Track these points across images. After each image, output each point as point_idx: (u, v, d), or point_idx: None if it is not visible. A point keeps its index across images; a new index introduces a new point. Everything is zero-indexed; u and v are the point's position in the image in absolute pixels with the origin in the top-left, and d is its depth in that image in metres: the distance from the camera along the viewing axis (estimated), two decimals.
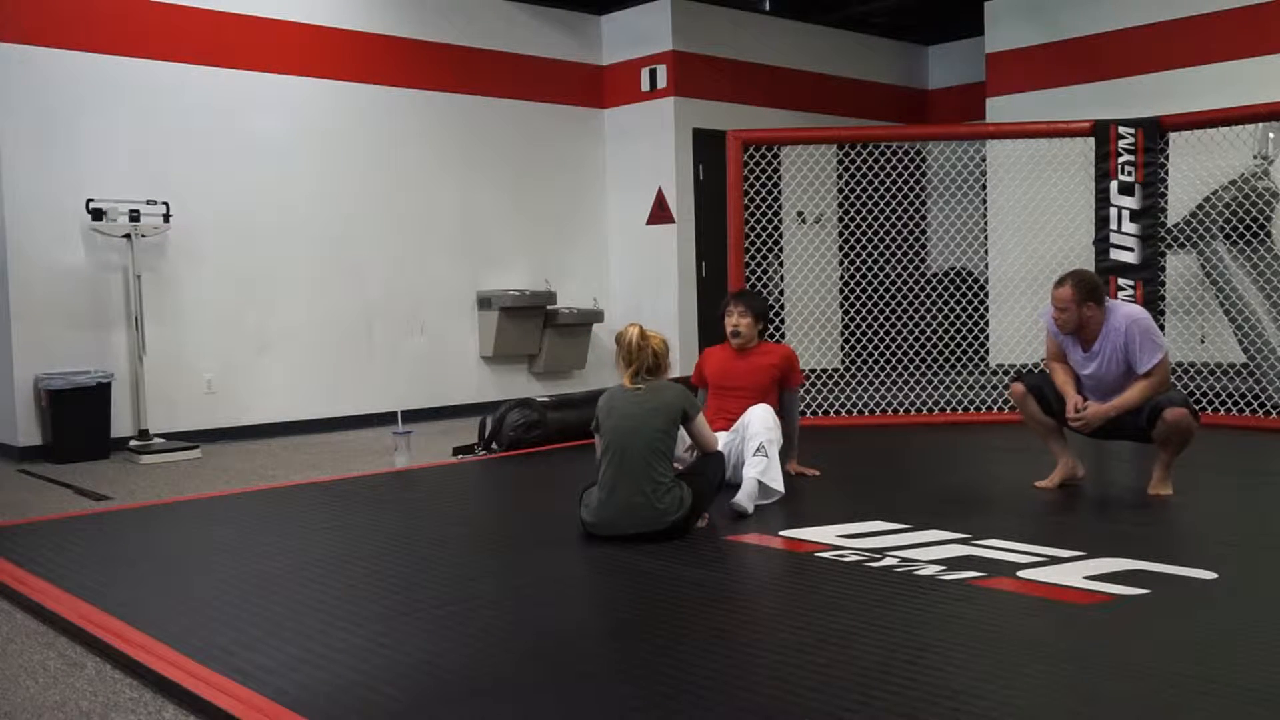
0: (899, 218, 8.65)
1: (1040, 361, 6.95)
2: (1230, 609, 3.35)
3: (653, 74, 10.09)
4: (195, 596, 3.81)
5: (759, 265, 8.43)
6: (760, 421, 5.04)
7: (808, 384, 8.19)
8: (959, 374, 8.23)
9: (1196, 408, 5.18)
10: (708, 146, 9.93)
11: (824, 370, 8.61)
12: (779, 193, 8.89)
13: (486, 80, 9.66)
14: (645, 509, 4.27)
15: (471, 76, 9.57)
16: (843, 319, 8.92)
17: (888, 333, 8.45)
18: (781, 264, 9.31)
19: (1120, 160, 7.44)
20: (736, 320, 5.45)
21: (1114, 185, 7.47)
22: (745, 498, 4.76)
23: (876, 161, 8.26)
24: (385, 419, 8.23)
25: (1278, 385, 7.26)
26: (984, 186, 9.71)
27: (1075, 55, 9.79)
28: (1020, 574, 3.72)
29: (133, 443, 7.46)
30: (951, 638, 3.12)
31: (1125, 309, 4.97)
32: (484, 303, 9.55)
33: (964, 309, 8.33)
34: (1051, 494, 5.10)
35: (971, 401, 7.84)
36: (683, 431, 4.55)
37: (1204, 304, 8.02)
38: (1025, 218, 8.45)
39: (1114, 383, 4.90)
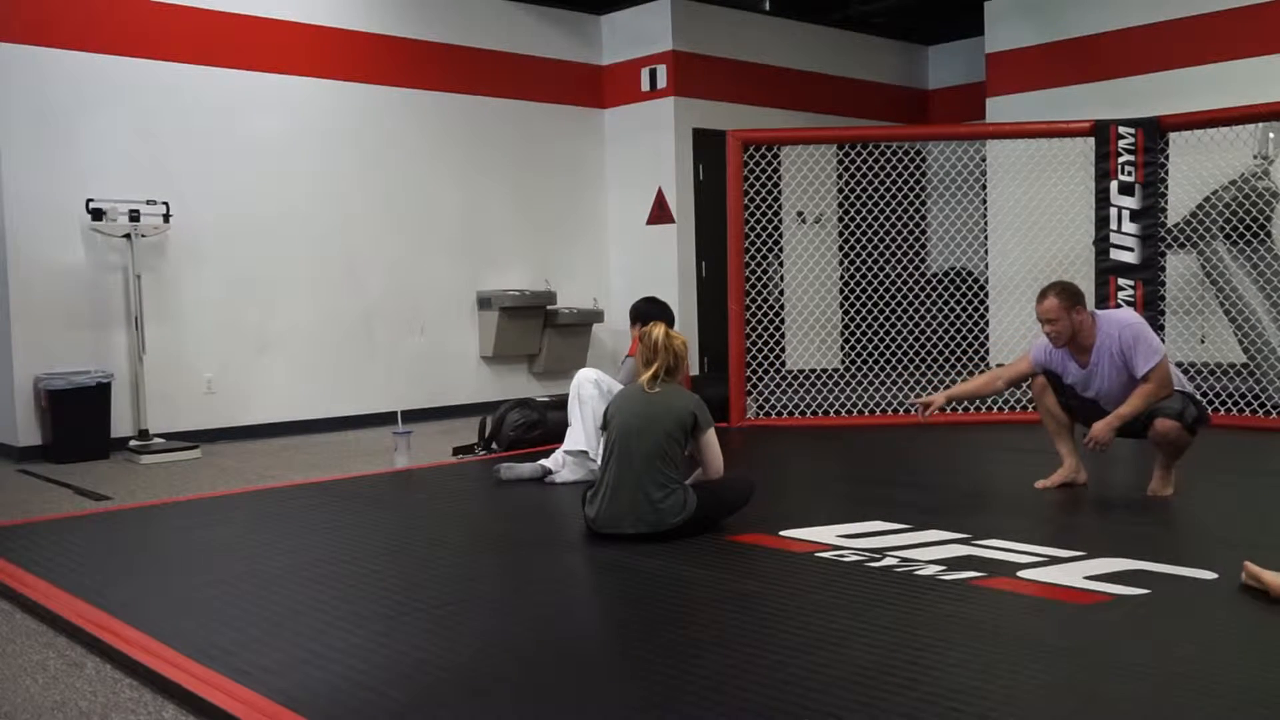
0: (899, 218, 8.65)
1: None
2: (1230, 609, 3.35)
3: (653, 74, 10.09)
4: (195, 596, 3.81)
5: (759, 265, 8.43)
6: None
7: (808, 383, 8.24)
8: (959, 374, 8.23)
9: (1207, 408, 5.19)
10: (708, 146, 9.92)
11: (824, 370, 8.61)
12: (779, 193, 8.89)
13: (486, 80, 9.66)
14: (646, 509, 4.27)
15: (471, 76, 9.57)
16: (843, 319, 8.92)
17: (888, 333, 8.45)
18: (781, 264, 9.31)
19: (1120, 160, 7.44)
20: None
21: (1114, 185, 7.47)
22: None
23: (876, 161, 8.27)
24: (385, 419, 8.23)
25: (1278, 385, 7.26)
26: (984, 186, 9.71)
27: (1075, 55, 9.78)
28: (1020, 574, 3.72)
29: (133, 443, 7.46)
30: (951, 638, 3.12)
31: (1116, 317, 4.96)
32: (484, 303, 9.55)
33: (964, 309, 8.33)
34: (1051, 494, 5.10)
35: (971, 401, 7.84)
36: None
37: (1204, 304, 8.02)
38: (1025, 218, 8.45)
39: (1119, 393, 4.88)
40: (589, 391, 5.68)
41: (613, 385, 5.66)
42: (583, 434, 5.65)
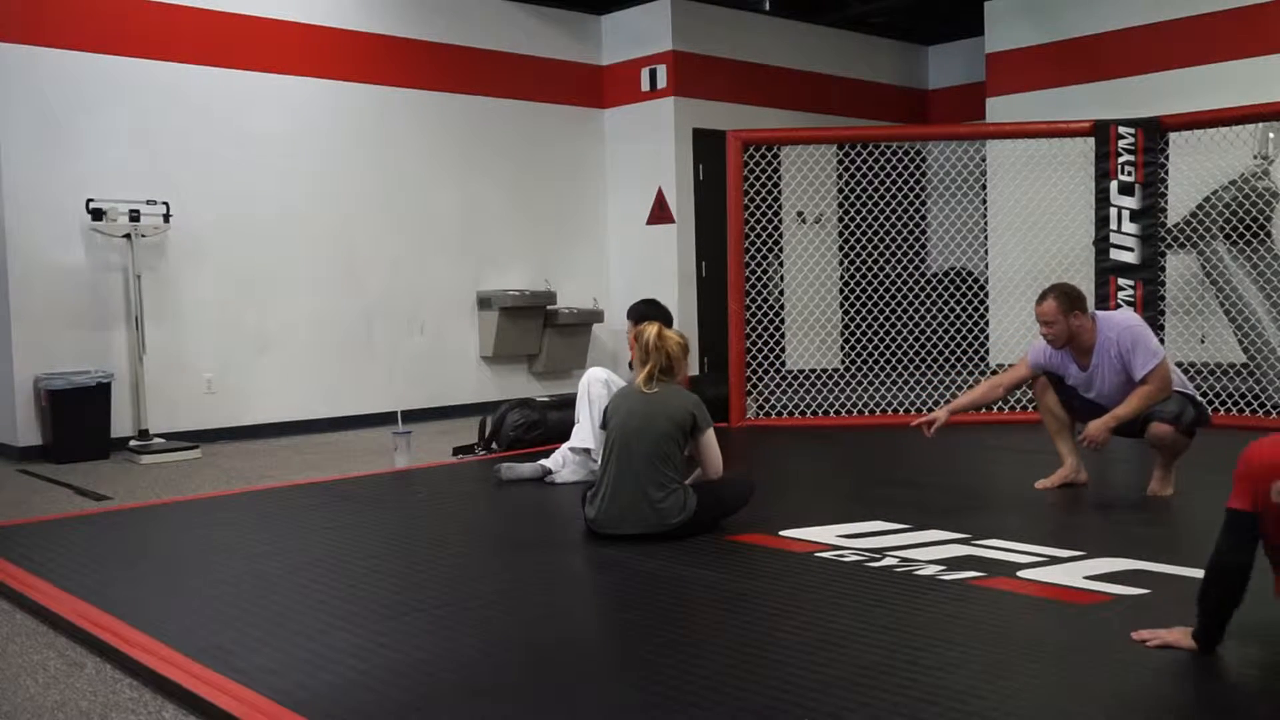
0: (899, 218, 8.65)
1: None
2: None
3: (653, 74, 10.09)
4: (195, 596, 3.81)
5: (759, 265, 8.43)
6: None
7: (808, 384, 8.24)
8: (959, 374, 8.23)
9: (1208, 408, 5.19)
10: (708, 146, 9.92)
11: (824, 370, 8.61)
12: (779, 193, 8.89)
13: (486, 80, 9.66)
14: (646, 509, 4.27)
15: (471, 76, 9.56)
16: (843, 319, 8.92)
17: (888, 333, 8.45)
18: (781, 264, 9.31)
19: (1120, 160, 7.44)
20: None
21: (1114, 185, 7.47)
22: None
23: (876, 161, 8.26)
24: (385, 419, 8.22)
25: (1278, 385, 7.26)
26: (984, 186, 9.70)
27: (1075, 55, 9.78)
28: (1020, 574, 3.72)
29: (133, 443, 7.46)
30: (951, 638, 3.12)
31: (1116, 319, 4.96)
32: (484, 303, 9.55)
33: (964, 309, 8.33)
34: (1051, 494, 5.10)
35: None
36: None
37: (1204, 304, 8.02)
38: (1025, 218, 8.45)
39: (1119, 395, 4.87)
40: (598, 391, 5.65)
41: (622, 385, 5.67)
42: (590, 432, 5.64)
